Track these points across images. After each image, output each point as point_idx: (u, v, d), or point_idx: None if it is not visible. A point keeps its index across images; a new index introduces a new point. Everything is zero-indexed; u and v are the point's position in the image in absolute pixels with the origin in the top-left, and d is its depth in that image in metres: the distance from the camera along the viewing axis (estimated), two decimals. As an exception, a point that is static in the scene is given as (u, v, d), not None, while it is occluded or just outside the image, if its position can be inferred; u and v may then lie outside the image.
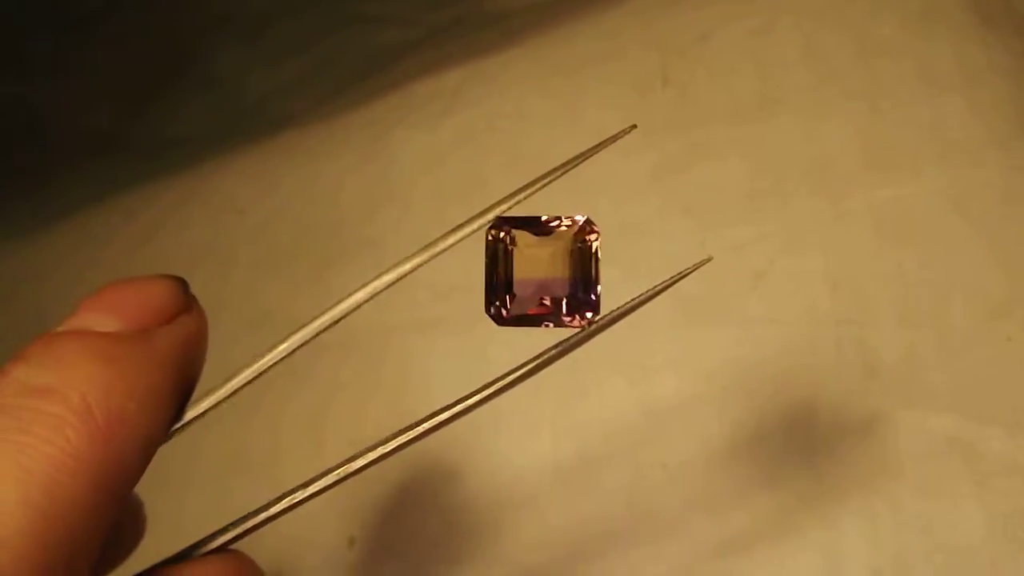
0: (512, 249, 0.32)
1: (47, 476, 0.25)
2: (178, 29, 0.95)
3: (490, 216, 0.32)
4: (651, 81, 0.68)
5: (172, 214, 0.80)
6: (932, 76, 0.62)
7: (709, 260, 0.34)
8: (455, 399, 0.33)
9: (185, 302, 0.31)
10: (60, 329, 0.28)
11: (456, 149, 0.71)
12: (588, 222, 0.32)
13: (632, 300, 0.33)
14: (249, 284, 0.71)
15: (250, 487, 0.64)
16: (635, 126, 0.33)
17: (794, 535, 0.51)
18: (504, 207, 0.33)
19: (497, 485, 0.57)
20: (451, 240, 0.33)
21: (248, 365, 0.31)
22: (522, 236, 0.32)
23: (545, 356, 0.32)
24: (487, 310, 0.32)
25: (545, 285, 0.32)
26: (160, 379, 0.28)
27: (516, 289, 0.32)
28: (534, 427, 0.58)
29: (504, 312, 0.32)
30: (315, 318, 0.32)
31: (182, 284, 0.31)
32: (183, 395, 0.30)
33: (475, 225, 0.32)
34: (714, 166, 0.63)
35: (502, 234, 0.32)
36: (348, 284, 0.68)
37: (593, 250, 0.32)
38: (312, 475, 0.33)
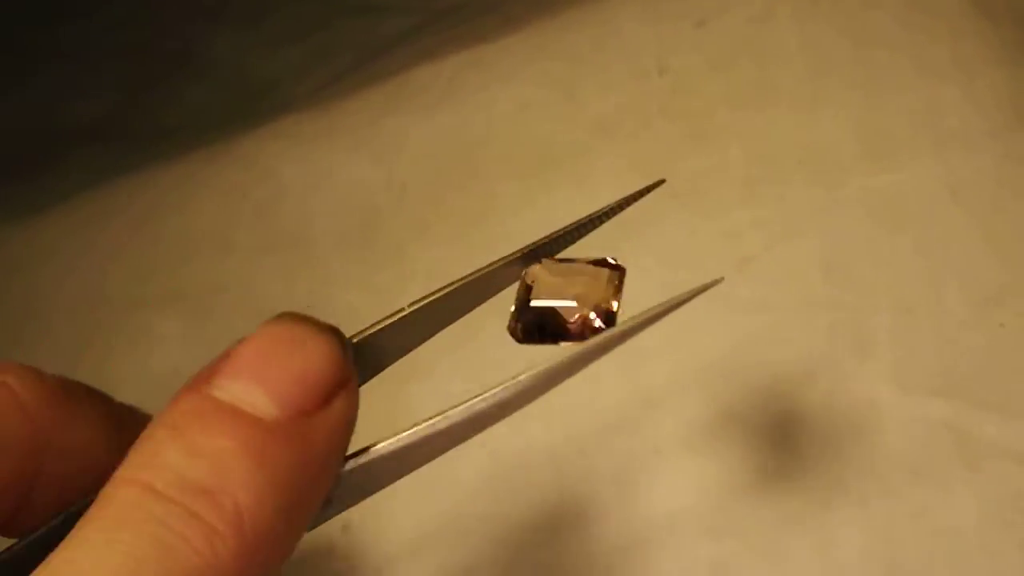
0: (537, 277, 0.33)
1: None
2: (176, 16, 0.95)
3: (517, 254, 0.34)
4: (648, 68, 0.68)
5: (170, 199, 0.80)
6: (928, 65, 0.62)
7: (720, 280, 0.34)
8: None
9: (346, 372, 0.28)
10: (216, 393, 0.26)
11: (453, 136, 0.71)
12: (619, 269, 0.34)
13: (656, 307, 0.33)
14: (247, 268, 0.71)
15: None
16: (663, 180, 0.34)
17: (787, 520, 0.51)
18: (532, 245, 0.34)
19: (491, 471, 0.57)
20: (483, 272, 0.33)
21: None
22: (549, 265, 0.34)
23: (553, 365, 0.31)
24: (508, 328, 0.33)
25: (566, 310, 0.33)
26: (311, 484, 0.27)
27: (523, 312, 0.33)
28: (526, 412, 0.58)
29: (523, 332, 0.33)
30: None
31: (344, 346, 0.28)
32: (328, 491, 0.29)
33: (502, 263, 0.33)
34: (709, 153, 0.63)
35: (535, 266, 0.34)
36: (345, 270, 0.68)
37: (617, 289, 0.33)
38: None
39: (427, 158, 0.71)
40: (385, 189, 0.71)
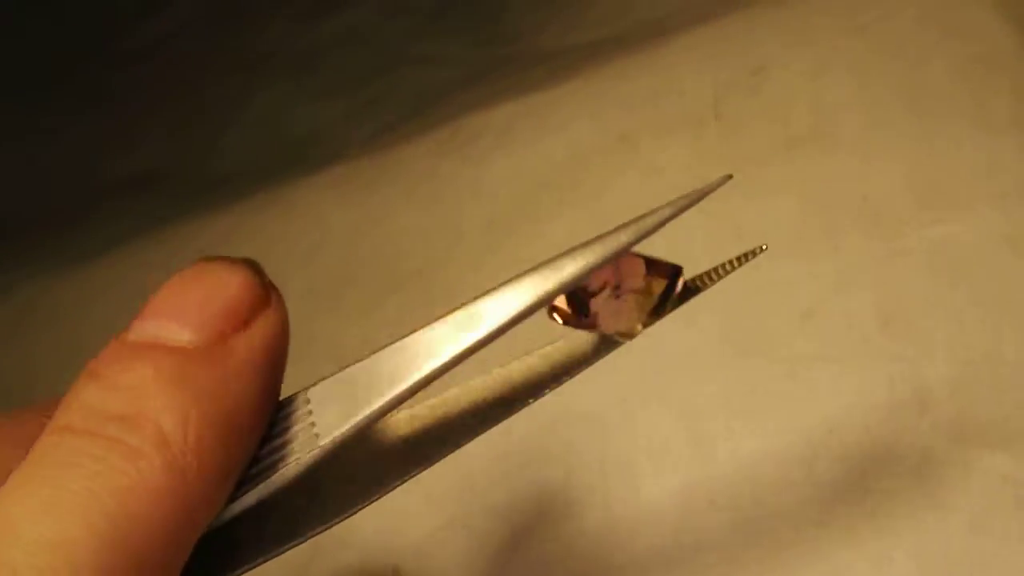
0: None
1: (119, 509, 0.24)
2: (228, 65, 0.96)
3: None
4: (704, 115, 0.68)
5: (220, 246, 0.80)
6: (985, 118, 0.62)
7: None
8: None
9: (262, 295, 0.28)
10: (131, 337, 0.27)
11: (507, 183, 0.71)
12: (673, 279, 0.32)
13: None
14: (299, 315, 0.71)
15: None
16: (731, 176, 0.32)
17: (845, 571, 0.51)
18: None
19: (546, 520, 0.57)
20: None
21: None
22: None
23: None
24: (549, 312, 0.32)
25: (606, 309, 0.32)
26: (239, 399, 0.27)
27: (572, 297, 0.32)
28: (582, 462, 0.58)
29: (559, 315, 0.32)
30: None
31: (258, 273, 0.29)
32: (267, 410, 0.28)
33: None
34: (765, 201, 0.63)
35: None
36: (396, 316, 0.68)
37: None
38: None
39: (481, 205, 0.71)
40: (438, 236, 0.71)
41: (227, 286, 0.28)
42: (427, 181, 0.75)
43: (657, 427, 0.58)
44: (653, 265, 0.32)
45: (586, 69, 0.76)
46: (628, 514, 0.56)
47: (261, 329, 0.28)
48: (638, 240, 0.29)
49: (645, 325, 0.33)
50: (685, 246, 0.62)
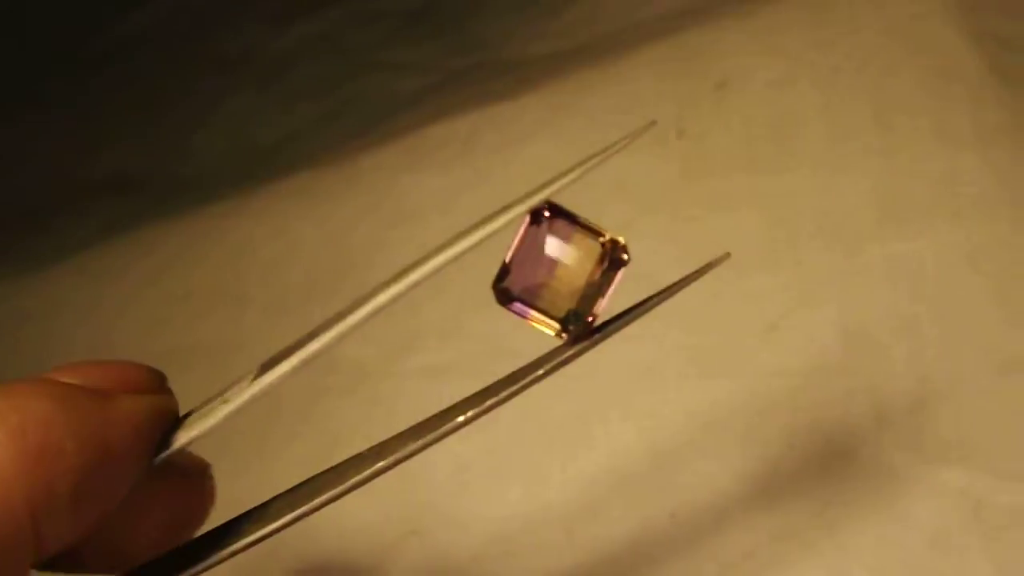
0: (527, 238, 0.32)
1: None
2: (195, 70, 0.96)
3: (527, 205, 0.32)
4: (666, 130, 0.68)
5: (184, 253, 0.80)
6: (948, 133, 0.62)
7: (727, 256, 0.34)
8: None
9: (159, 385, 0.32)
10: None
11: (470, 193, 0.71)
12: (623, 248, 0.32)
13: (624, 313, 0.33)
14: (262, 324, 0.71)
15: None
16: (655, 122, 0.32)
17: (804, 587, 0.51)
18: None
19: (504, 534, 0.57)
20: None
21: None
22: (548, 225, 0.32)
23: (528, 378, 0.32)
24: (492, 285, 0.32)
25: (550, 282, 0.32)
26: (111, 436, 0.28)
27: (516, 266, 0.32)
28: (542, 476, 0.58)
29: (501, 297, 0.32)
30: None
31: (159, 373, 0.32)
32: (135, 466, 0.30)
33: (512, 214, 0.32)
34: (728, 217, 0.63)
35: (544, 214, 0.32)
36: (360, 328, 0.68)
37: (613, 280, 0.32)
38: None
39: (442, 214, 0.71)
40: (399, 244, 0.71)
41: (128, 367, 0.31)
42: (388, 191, 0.75)
43: (617, 441, 0.58)
44: (586, 228, 0.32)
45: (550, 81, 0.76)
46: (587, 529, 0.55)
47: (150, 401, 0.31)
48: (551, 192, 0.31)
49: (584, 315, 0.32)
50: (650, 260, 0.62)
